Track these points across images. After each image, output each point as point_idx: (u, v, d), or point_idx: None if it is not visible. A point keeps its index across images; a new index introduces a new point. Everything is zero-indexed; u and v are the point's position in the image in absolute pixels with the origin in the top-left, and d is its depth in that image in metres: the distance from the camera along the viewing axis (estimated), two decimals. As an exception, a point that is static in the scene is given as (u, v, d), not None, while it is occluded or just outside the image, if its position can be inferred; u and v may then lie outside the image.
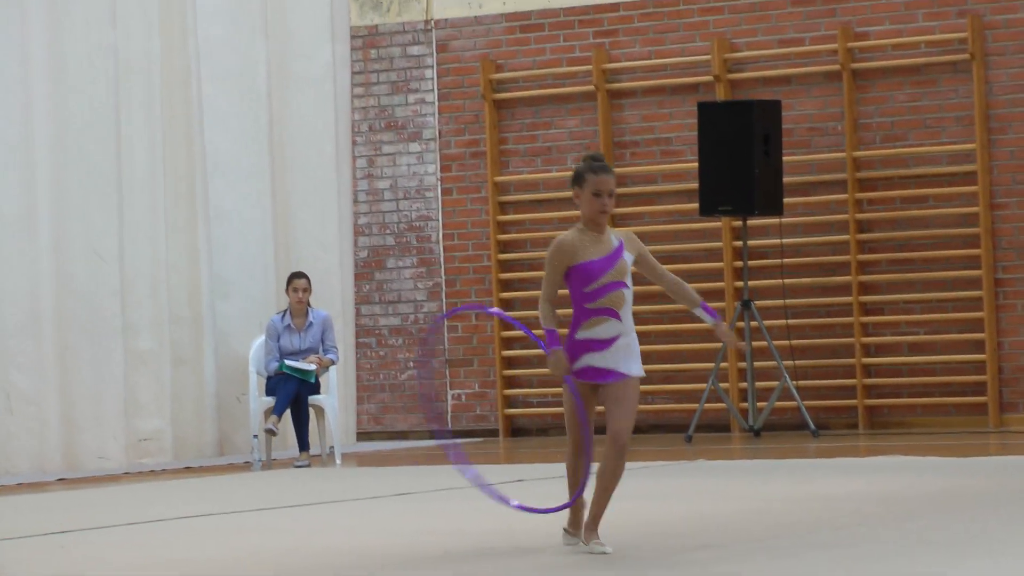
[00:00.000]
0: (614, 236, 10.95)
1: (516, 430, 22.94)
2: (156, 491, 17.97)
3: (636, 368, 10.96)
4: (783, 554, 11.57)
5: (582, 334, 10.82)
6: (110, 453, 20.37)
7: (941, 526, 12.55)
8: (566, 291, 10.91)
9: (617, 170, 22.16)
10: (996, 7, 21.12)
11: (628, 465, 17.06)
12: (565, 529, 11.29)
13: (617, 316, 10.84)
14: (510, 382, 23.00)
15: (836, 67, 21.50)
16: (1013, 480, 15.53)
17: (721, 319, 10.25)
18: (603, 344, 10.83)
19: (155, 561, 12.40)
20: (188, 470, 20.15)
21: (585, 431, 10.90)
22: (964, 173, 21.13)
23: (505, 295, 22.90)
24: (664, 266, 11.15)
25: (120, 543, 13.51)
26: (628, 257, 10.90)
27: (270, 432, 19.88)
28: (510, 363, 23.05)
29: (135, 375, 20.67)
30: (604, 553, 10.84)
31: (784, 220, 21.35)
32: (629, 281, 10.96)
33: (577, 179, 10.86)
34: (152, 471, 20.10)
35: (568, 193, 22.43)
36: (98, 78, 20.44)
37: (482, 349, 23.16)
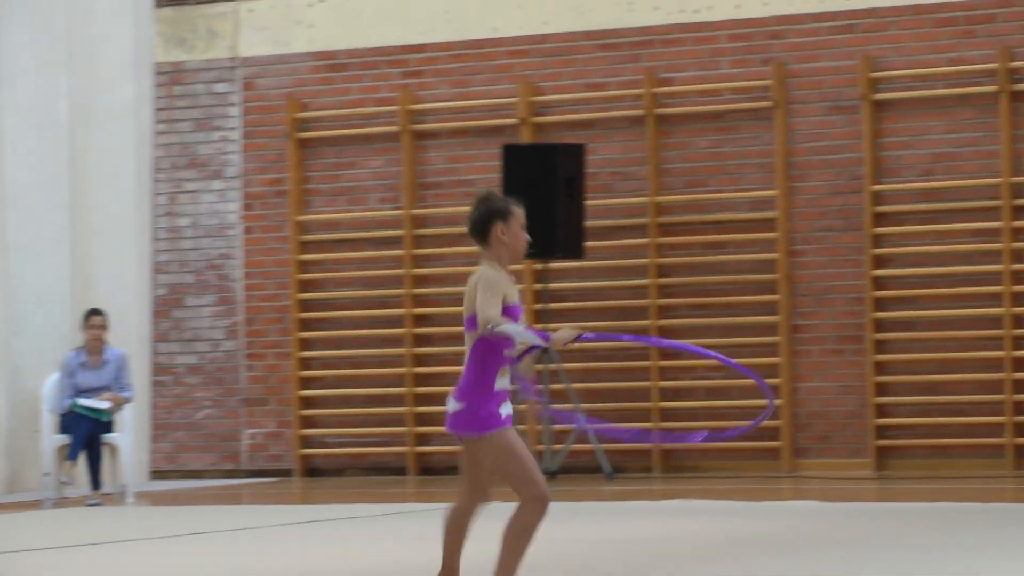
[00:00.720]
0: None
1: (312, 470, 22.80)
2: None
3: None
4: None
5: (501, 385, 9.82)
6: None
7: (738, 570, 12.57)
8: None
9: (419, 211, 22.41)
10: (799, 56, 21.32)
11: (423, 507, 16.91)
12: None
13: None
14: (307, 422, 22.84)
15: (641, 112, 21.61)
16: (806, 524, 15.61)
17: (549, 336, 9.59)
18: (507, 395, 9.88)
19: None
20: (-24, 509, 19.80)
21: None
22: (764, 220, 21.30)
23: (304, 334, 22.88)
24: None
25: None
26: None
27: (65, 483, 19.58)
28: (308, 403, 22.90)
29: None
30: None
31: (585, 264, 21.33)
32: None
33: (502, 214, 9.92)
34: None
35: (370, 234, 22.56)
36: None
37: (279, 388, 23.03)
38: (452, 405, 9.83)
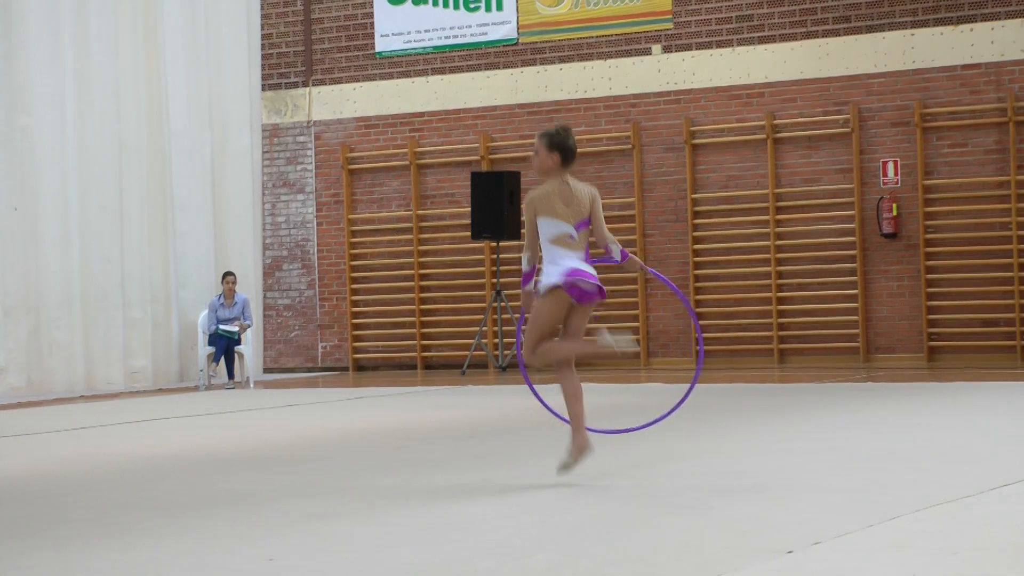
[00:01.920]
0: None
1: (360, 367, 22.77)
2: (143, 403, 17.84)
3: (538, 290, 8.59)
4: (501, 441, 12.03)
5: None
6: (114, 380, 20.41)
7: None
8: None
9: (422, 212, 22.63)
10: (648, 117, 21.24)
11: (427, 389, 17.22)
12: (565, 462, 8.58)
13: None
14: (356, 338, 22.84)
15: None
16: (655, 398, 15.89)
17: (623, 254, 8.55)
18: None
19: (142, 445, 12.60)
20: (161, 391, 20.10)
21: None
22: (628, 216, 21.08)
23: (354, 286, 22.88)
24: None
25: (122, 435, 13.73)
26: None
27: (212, 376, 20.06)
28: (356, 327, 22.86)
29: (130, 333, 20.62)
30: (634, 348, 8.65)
31: (522, 243, 21.53)
32: (539, 227, 8.59)
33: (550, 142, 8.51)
34: (140, 391, 20.05)
35: (391, 226, 22.79)
36: (144, 140, 20.47)
37: (339, 319, 23.04)
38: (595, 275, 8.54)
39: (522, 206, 8.62)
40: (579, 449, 8.51)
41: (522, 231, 9.99)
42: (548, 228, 8.51)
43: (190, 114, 21.72)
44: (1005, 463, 9.03)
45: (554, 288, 8.49)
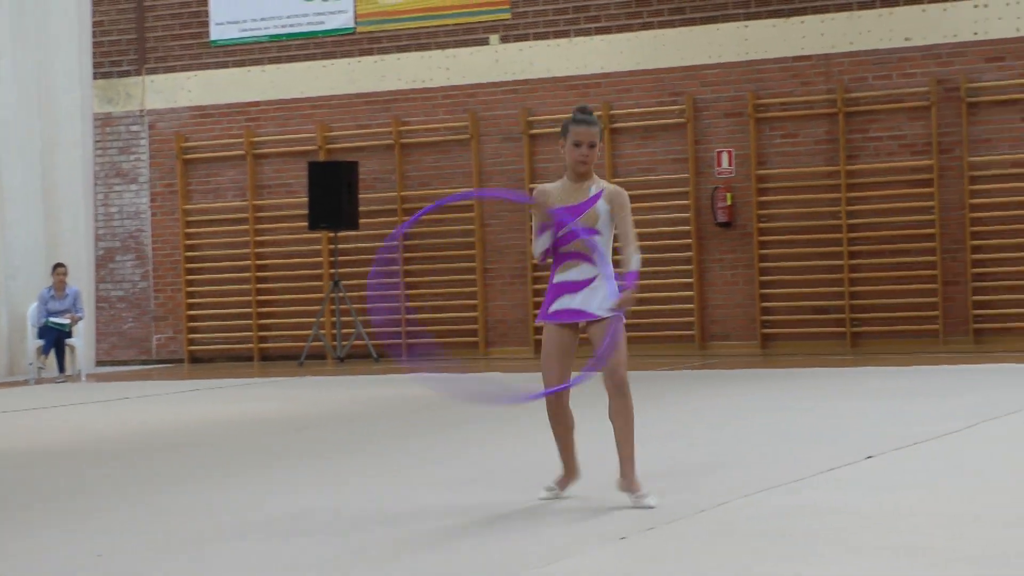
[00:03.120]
0: (595, 187, 7.40)
1: (195, 359, 22.54)
2: None
3: (606, 306, 7.32)
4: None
5: (559, 278, 7.40)
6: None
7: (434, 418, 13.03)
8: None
9: (258, 202, 22.47)
10: (486, 107, 21.31)
11: (263, 380, 17.09)
12: (548, 486, 7.61)
13: (589, 260, 7.34)
14: (191, 330, 22.61)
15: (390, 142, 21.60)
16: (487, 387, 16.38)
17: (629, 290, 7.31)
18: (577, 286, 7.36)
19: None
20: (-9, 384, 19.73)
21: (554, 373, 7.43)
22: (468, 205, 21.29)
23: (189, 277, 22.66)
24: (634, 231, 7.48)
25: None
26: (603, 207, 7.37)
27: (41, 369, 19.74)
28: (191, 319, 22.64)
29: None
30: (649, 507, 7.14)
31: (360, 233, 21.40)
32: (603, 228, 7.36)
33: (563, 130, 7.46)
34: (-31, 384, 19.67)
35: (227, 216, 22.73)
36: None
37: (174, 310, 22.80)
38: None
39: (626, 201, 7.39)
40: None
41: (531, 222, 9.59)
42: (610, 236, 7.45)
43: (19, 102, 21.37)
44: (835, 447, 9.20)
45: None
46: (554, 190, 7.41)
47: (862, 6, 19.89)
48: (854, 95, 19.88)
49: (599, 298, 7.33)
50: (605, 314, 7.28)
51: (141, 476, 9.28)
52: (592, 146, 7.36)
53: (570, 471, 7.58)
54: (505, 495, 7.74)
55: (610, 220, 7.39)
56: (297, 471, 9.17)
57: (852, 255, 19.85)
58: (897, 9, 19.72)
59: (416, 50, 21.79)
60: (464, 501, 7.65)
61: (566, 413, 7.49)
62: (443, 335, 21.62)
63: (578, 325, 7.39)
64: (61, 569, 6.27)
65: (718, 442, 9.88)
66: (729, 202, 20.35)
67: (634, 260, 7.35)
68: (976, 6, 19.40)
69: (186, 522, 7.32)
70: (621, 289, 7.35)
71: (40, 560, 6.51)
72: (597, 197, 7.36)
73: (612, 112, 20.87)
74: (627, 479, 7.30)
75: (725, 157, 20.49)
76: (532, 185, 21.27)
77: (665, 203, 20.71)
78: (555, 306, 7.40)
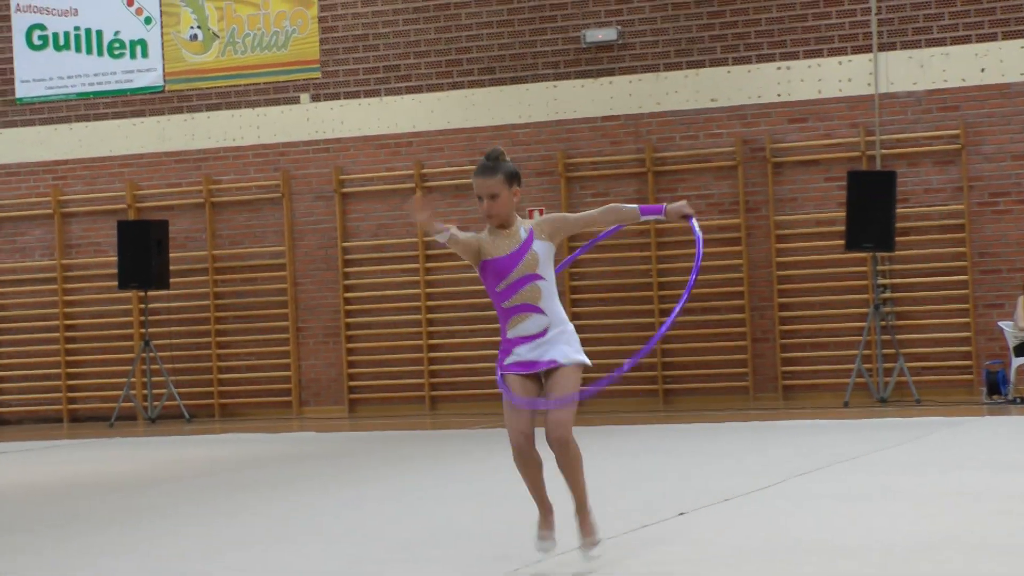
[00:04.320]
0: (523, 229, 6.92)
1: (2, 422, 22.08)
2: None
3: (569, 354, 6.86)
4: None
5: (511, 333, 6.86)
6: None
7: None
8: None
9: (68, 260, 22.04)
10: (298, 166, 21.27)
11: (73, 442, 16.60)
12: (541, 537, 7.13)
13: (539, 310, 6.85)
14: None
15: (201, 200, 21.45)
16: (302, 446, 15.83)
17: (665, 206, 7.17)
18: (532, 338, 6.85)
19: None
20: None
21: (530, 406, 6.87)
22: (278, 264, 21.20)
23: None
24: (588, 211, 7.07)
25: None
26: (541, 246, 6.91)
27: None
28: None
29: None
30: (591, 557, 7.03)
31: (171, 292, 21.16)
32: (545, 271, 6.90)
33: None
34: None
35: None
36: None
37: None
38: None
39: (552, 216, 6.92)
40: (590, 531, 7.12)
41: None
42: (553, 277, 6.99)
43: None
44: (644, 505, 9.25)
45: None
46: (485, 238, 6.90)
47: (669, 67, 20.25)
48: (662, 154, 20.20)
49: (556, 346, 6.86)
50: (565, 361, 6.85)
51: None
52: (493, 197, 6.83)
53: (545, 508, 7.07)
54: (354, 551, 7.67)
55: (551, 259, 6.95)
56: (102, 535, 8.99)
57: (663, 313, 20.09)
58: (703, 70, 20.12)
59: (226, 108, 21.68)
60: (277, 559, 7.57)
61: (534, 453, 6.94)
62: (255, 395, 21.48)
63: (539, 375, 6.90)
64: None
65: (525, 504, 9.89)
66: (541, 260, 20.45)
67: (628, 207, 7.14)
68: (779, 68, 19.87)
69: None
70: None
71: None
72: (530, 239, 6.90)
73: (424, 171, 20.95)
74: (584, 526, 7.02)
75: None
76: (344, 244, 21.24)
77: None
78: (511, 359, 6.90)
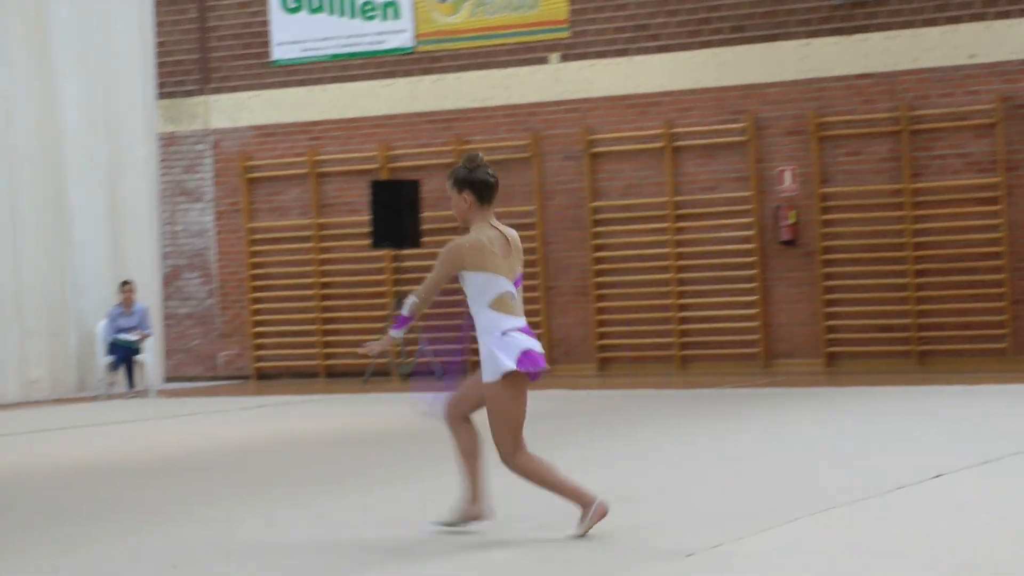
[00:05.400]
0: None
1: (261, 375, 22.51)
2: (41, 413, 17.79)
3: (482, 373, 7.15)
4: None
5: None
6: (11, 390, 20.07)
7: None
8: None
9: (322, 221, 22.44)
10: (547, 125, 21.40)
11: (328, 396, 16.96)
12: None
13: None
14: (257, 347, 22.57)
15: (451, 160, 21.28)
16: (554, 404, 15.85)
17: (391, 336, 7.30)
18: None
19: (38, 455, 12.69)
20: (59, 401, 19.95)
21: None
22: (528, 223, 21.09)
23: (255, 295, 22.68)
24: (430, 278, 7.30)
25: (19, 445, 13.82)
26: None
27: (112, 384, 19.97)
28: (258, 335, 22.62)
29: (26, 343, 20.34)
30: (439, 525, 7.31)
31: (422, 251, 21.21)
32: (465, 285, 7.25)
33: None
34: (38, 401, 19.85)
35: (290, 234, 22.77)
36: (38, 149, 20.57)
37: (240, 327, 22.77)
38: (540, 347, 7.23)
39: (442, 254, 7.13)
40: (472, 515, 7.31)
41: (426, 245, 8.78)
42: (484, 287, 7.11)
43: (85, 123, 21.51)
44: (900, 466, 9.21)
45: (511, 374, 7.04)
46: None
47: (926, 23, 19.84)
48: (918, 113, 19.83)
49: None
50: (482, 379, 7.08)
51: (207, 490, 9.38)
52: (452, 200, 7.32)
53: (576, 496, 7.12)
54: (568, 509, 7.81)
55: (461, 276, 7.19)
56: (365, 489, 9.24)
57: (918, 273, 19.77)
58: (961, 26, 19.66)
59: (476, 68, 21.87)
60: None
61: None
62: (506, 353, 21.60)
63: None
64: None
65: (779, 461, 9.89)
66: (793, 220, 20.32)
67: (407, 303, 7.25)
68: (1041, 22, 19.33)
69: (251, 535, 7.42)
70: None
71: (112, 572, 6.62)
72: None
73: (673, 131, 20.87)
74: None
75: (788, 175, 20.47)
76: (594, 204, 21.31)
77: (727, 221, 20.67)
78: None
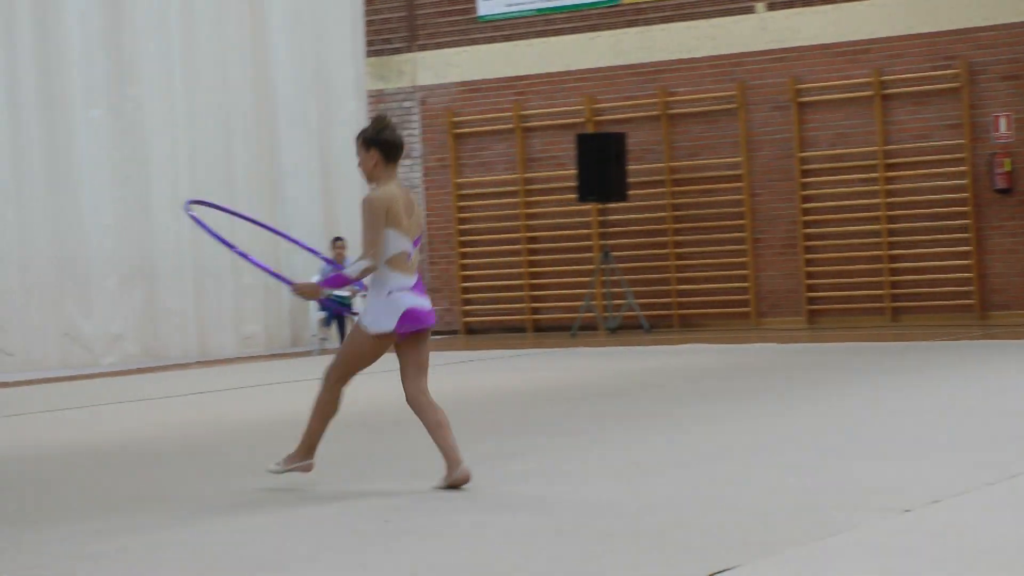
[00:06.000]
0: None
1: (469, 330, 22.80)
2: (258, 368, 18.16)
3: (363, 316, 7.55)
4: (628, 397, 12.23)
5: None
6: (227, 346, 20.61)
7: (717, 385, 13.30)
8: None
9: (528, 175, 22.70)
10: (753, 75, 21.19)
11: (537, 351, 17.06)
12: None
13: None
14: (465, 302, 22.87)
15: (657, 112, 21.54)
16: (761, 358, 15.93)
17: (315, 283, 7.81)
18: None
19: (256, 408, 12.94)
20: (274, 356, 20.36)
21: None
22: (734, 175, 21.06)
23: (462, 250, 22.95)
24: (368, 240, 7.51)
25: (237, 399, 14.06)
26: None
27: (324, 340, 20.37)
28: (465, 290, 22.88)
29: (242, 299, 20.79)
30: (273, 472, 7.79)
31: (628, 204, 21.35)
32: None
33: None
34: (253, 356, 20.30)
35: (496, 190, 22.98)
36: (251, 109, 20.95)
37: (449, 282, 23.06)
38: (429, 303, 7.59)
39: (367, 212, 7.37)
40: (299, 465, 7.75)
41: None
42: (386, 243, 7.42)
43: (296, 81, 21.93)
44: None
45: (386, 335, 7.43)
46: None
47: None
48: None
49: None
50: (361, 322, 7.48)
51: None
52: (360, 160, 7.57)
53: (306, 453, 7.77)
54: (782, 463, 7.74)
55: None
56: (581, 438, 9.29)
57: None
58: None
59: (681, 20, 21.72)
60: (736, 470, 7.65)
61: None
62: (713, 306, 21.60)
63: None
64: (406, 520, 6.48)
65: (998, 414, 9.70)
66: (1008, 168, 19.85)
67: (354, 266, 7.47)
68: None
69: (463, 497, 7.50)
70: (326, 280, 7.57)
71: (331, 523, 6.74)
72: None
73: (883, 78, 20.51)
74: (292, 454, 7.71)
75: (1003, 122, 19.96)
76: (801, 154, 21.06)
77: (940, 170, 20.29)
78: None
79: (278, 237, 7.26)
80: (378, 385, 10.32)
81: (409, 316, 7.39)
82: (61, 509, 7.52)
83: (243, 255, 7.99)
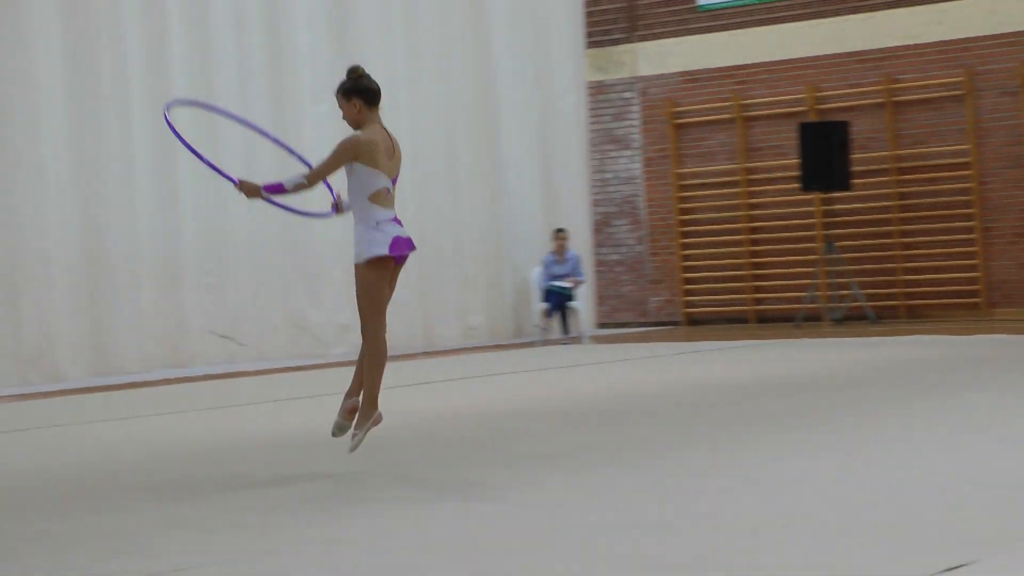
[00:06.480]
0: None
1: (691, 321, 22.77)
2: (482, 359, 18.23)
3: (354, 255, 8.09)
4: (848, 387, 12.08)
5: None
6: (451, 336, 20.79)
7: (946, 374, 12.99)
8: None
9: (749, 165, 22.42)
10: (980, 61, 20.72)
11: (759, 342, 16.96)
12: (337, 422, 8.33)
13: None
14: (687, 292, 22.82)
15: (881, 100, 21.30)
16: (992, 349, 15.62)
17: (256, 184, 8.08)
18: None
19: (486, 398, 12.93)
20: (497, 346, 20.48)
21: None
22: (961, 163, 20.69)
23: (684, 240, 22.88)
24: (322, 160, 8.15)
25: (465, 389, 14.10)
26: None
27: (546, 331, 20.39)
28: (687, 281, 22.82)
29: (465, 291, 20.95)
30: (354, 447, 8.15)
31: (853, 193, 21.15)
32: (351, 176, 8.11)
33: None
34: (476, 347, 20.45)
35: (717, 179, 22.84)
36: (473, 101, 21.10)
37: (670, 273, 23.03)
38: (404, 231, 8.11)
39: (340, 145, 7.97)
40: (371, 420, 8.13)
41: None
42: (367, 181, 8.06)
43: (516, 74, 22.04)
44: None
45: (382, 259, 8.04)
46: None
47: None
48: None
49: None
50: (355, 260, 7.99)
51: (684, 430, 9.48)
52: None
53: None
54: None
55: (350, 167, 8.03)
56: (815, 434, 9.20)
57: None
58: None
59: (906, 5, 21.33)
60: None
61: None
62: (941, 296, 21.18)
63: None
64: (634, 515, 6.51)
65: None
66: None
67: (292, 178, 8.05)
68: None
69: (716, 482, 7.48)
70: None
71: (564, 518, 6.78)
72: None
73: (1119, 61, 19.92)
74: (361, 414, 8.07)
75: None
76: (1033, 140, 20.53)
77: None
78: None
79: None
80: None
81: (398, 242, 8.03)
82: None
83: (207, 162, 8.35)
